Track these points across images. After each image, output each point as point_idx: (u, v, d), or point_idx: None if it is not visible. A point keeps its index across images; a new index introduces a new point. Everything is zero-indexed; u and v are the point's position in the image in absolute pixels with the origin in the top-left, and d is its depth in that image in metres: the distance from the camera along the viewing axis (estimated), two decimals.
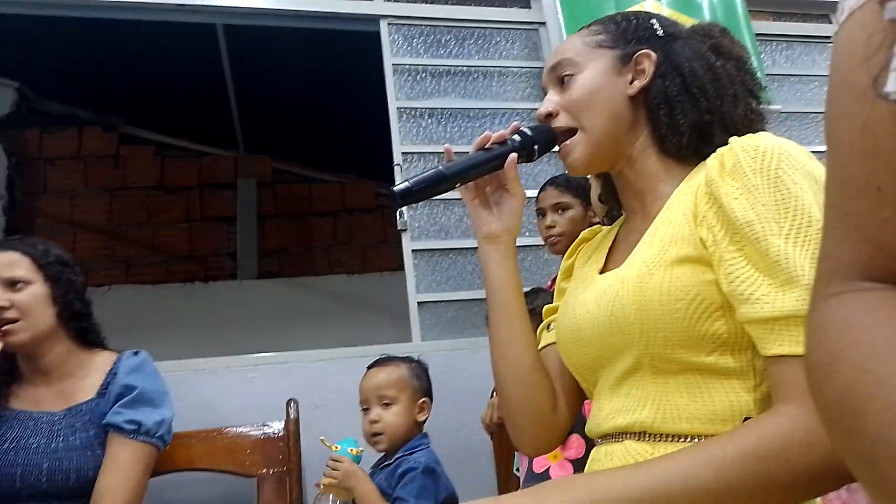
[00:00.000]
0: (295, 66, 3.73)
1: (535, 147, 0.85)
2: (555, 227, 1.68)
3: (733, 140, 0.72)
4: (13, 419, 1.25)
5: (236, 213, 4.66)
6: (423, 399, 1.41)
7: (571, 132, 0.83)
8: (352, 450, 1.33)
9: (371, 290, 4.36)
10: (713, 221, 0.69)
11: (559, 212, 1.70)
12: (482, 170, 0.84)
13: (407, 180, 0.78)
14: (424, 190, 0.78)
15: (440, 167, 0.80)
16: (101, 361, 1.35)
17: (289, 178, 4.90)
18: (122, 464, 1.23)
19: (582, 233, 1.00)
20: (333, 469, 1.29)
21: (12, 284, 1.26)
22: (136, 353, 1.38)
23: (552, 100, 0.85)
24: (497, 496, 0.66)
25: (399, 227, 2.19)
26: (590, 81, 0.82)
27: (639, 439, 0.72)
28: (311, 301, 4.23)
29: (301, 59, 3.65)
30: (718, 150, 0.73)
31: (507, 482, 1.63)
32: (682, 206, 0.74)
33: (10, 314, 1.24)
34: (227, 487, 1.64)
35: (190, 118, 4.29)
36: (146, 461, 1.28)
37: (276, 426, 1.59)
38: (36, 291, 1.28)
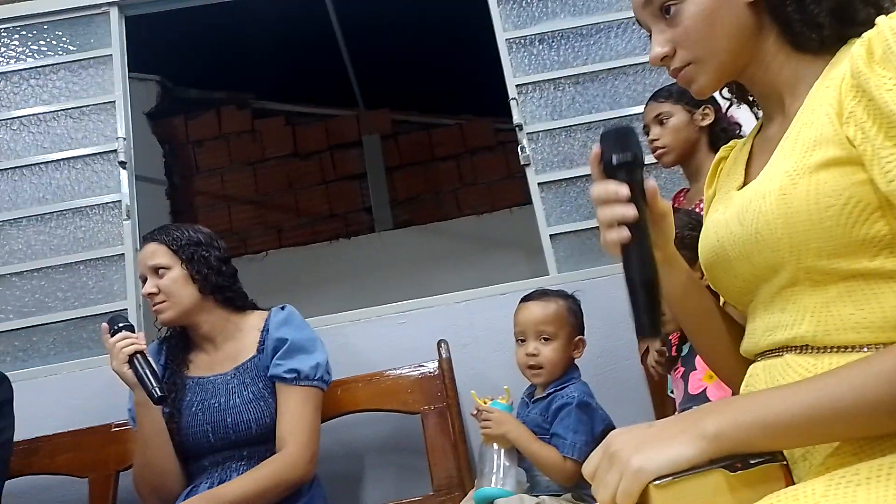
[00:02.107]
0: (400, 15, 3.74)
1: (635, 156, 0.72)
2: (658, 139, 1.65)
3: (881, 21, 0.63)
4: (195, 385, 1.45)
5: (366, 169, 4.85)
6: (578, 337, 1.41)
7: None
8: (500, 399, 1.37)
9: (502, 227, 4.39)
10: (863, 117, 0.62)
11: (661, 123, 1.65)
12: (645, 229, 0.71)
13: (638, 322, 0.69)
14: (655, 308, 0.69)
15: (637, 281, 0.70)
16: (254, 321, 1.51)
17: (409, 127, 4.99)
18: (293, 409, 1.39)
19: (718, 153, 0.94)
20: (486, 420, 1.34)
21: (157, 272, 1.44)
22: (282, 308, 1.52)
23: (663, 38, 0.76)
24: (652, 421, 0.67)
25: (522, 162, 2.17)
26: (702, 4, 0.73)
27: (800, 352, 0.69)
28: (445, 245, 4.35)
29: (405, 7, 3.65)
30: (864, 34, 0.64)
31: (662, 405, 1.63)
32: (824, 104, 0.67)
33: (159, 298, 1.43)
34: (394, 424, 1.78)
35: (311, 84, 4.47)
36: (313, 402, 1.42)
37: (431, 366, 1.69)
38: (175, 274, 1.44)
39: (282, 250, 4.54)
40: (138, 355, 1.32)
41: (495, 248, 4.24)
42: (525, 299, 1.45)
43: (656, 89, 1.73)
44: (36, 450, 1.64)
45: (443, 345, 1.71)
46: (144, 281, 1.47)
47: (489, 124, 4.87)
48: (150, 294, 1.43)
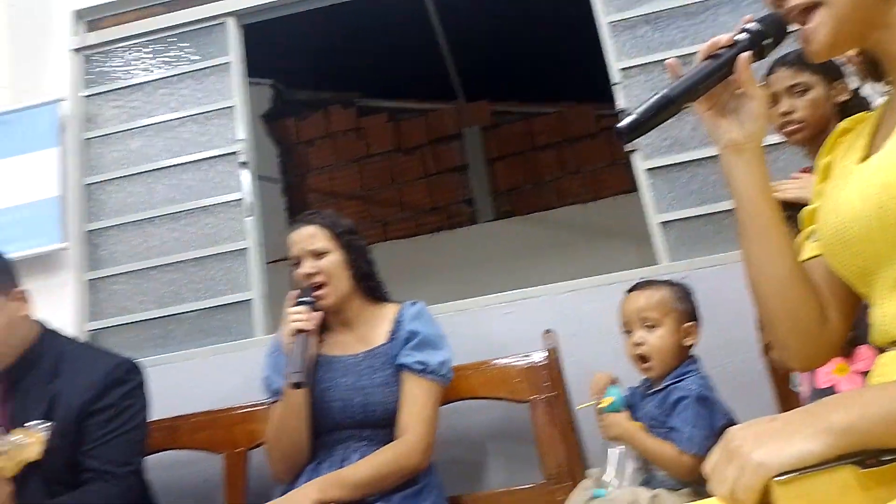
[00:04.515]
0: (499, 5, 3.74)
1: (766, 42, 0.76)
2: (793, 112, 1.47)
3: None
4: (326, 363, 1.51)
5: (467, 161, 4.89)
6: (689, 323, 1.36)
7: (809, 9, 0.72)
8: (602, 402, 1.35)
9: (606, 215, 4.29)
10: None
11: (797, 94, 1.47)
12: (711, 81, 0.77)
13: (631, 113, 0.75)
14: (652, 119, 0.75)
15: (665, 90, 0.76)
16: (388, 312, 1.56)
17: (508, 117, 4.99)
18: (416, 399, 1.44)
19: (841, 123, 0.88)
20: (600, 427, 1.34)
21: (316, 254, 1.49)
22: (413, 304, 1.57)
23: None
24: (776, 415, 0.64)
25: (628, 149, 2.12)
26: None
27: None
28: (548, 235, 4.31)
29: None
30: None
31: (786, 400, 1.54)
32: None
33: (319, 279, 1.48)
34: (503, 412, 1.80)
35: (412, 79, 4.57)
36: (435, 396, 1.47)
37: (539, 356, 1.69)
38: (334, 259, 1.50)
39: (387, 243, 4.68)
40: (302, 334, 1.40)
41: (600, 237, 4.15)
42: (629, 291, 1.43)
43: (780, 56, 1.53)
44: (177, 427, 1.80)
45: (549, 335, 1.71)
46: (297, 262, 1.51)
47: (590, 111, 4.77)
48: (310, 275, 1.48)
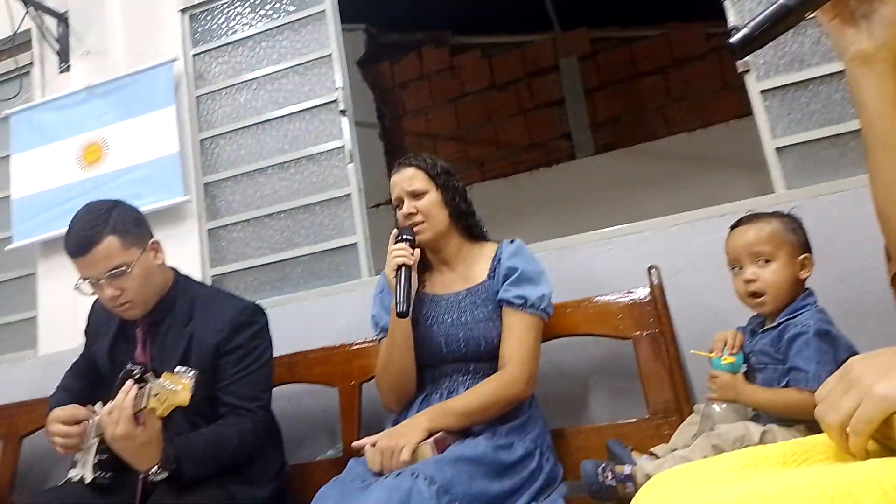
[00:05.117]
0: None
1: None
2: None
3: None
4: (430, 301, 1.58)
5: (563, 95, 4.73)
6: (803, 255, 1.28)
7: None
8: (725, 359, 1.29)
9: (717, 143, 4.03)
10: None
11: None
12: None
13: (744, 26, 0.70)
14: (768, 31, 0.69)
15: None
16: (487, 250, 1.60)
17: (608, 44, 4.74)
18: (517, 332, 1.47)
19: None
20: (712, 385, 1.30)
21: (415, 195, 1.55)
22: (511, 242, 1.59)
23: None
24: None
25: (740, 69, 1.96)
26: None
27: None
28: (653, 167, 4.13)
29: None
30: None
31: None
32: None
33: (418, 218, 1.54)
34: (605, 349, 1.79)
35: (504, 11, 4.42)
36: (535, 329, 1.50)
37: (642, 292, 1.66)
38: (432, 198, 1.55)
39: (485, 183, 4.67)
40: (404, 268, 1.46)
41: (710, 166, 3.92)
42: (734, 226, 1.35)
43: None
44: (296, 363, 1.94)
45: (653, 270, 1.67)
46: (399, 203, 1.57)
47: (699, 30, 4.44)
48: (409, 213, 1.54)
